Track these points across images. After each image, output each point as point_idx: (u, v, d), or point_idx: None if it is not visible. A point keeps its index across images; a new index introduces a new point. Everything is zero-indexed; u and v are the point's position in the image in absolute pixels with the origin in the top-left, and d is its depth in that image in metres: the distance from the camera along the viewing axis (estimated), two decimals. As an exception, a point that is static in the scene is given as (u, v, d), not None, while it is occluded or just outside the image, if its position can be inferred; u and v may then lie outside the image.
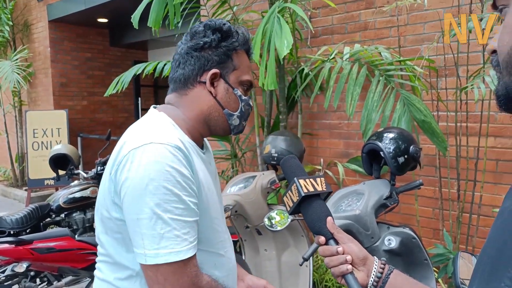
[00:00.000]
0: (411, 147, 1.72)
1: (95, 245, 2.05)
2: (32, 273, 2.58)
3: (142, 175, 0.78)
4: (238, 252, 2.71)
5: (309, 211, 0.85)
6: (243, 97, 0.98)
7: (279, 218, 2.23)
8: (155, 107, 0.98)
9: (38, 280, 2.72)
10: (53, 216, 3.04)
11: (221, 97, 0.95)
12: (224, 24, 0.96)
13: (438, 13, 2.55)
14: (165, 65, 3.31)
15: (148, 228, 0.78)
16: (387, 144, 1.74)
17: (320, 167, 3.12)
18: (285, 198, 0.88)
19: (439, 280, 2.24)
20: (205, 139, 1.06)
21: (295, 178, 0.85)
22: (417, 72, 2.36)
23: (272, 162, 2.28)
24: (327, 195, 0.89)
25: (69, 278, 2.74)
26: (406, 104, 2.20)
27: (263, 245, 2.38)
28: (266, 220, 2.10)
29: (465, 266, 1.24)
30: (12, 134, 6.73)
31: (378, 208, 1.78)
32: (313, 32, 3.14)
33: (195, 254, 0.83)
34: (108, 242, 0.89)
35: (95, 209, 0.94)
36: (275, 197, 2.91)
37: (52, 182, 5.58)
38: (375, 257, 0.84)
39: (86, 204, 3.06)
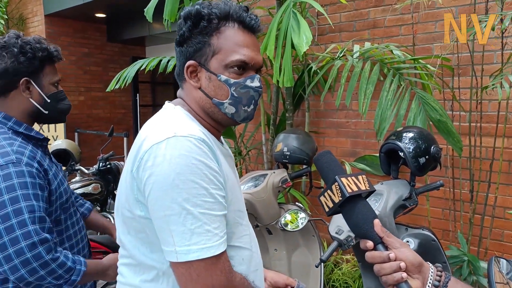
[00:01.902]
0: (432, 147, 1.69)
1: (97, 242, 1.99)
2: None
3: (168, 170, 0.74)
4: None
5: (353, 213, 0.78)
6: (232, 81, 0.87)
7: (290, 218, 2.18)
8: (170, 102, 0.94)
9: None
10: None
11: (205, 87, 0.88)
12: (194, 9, 0.87)
13: (450, 11, 2.52)
14: (169, 61, 3.23)
15: (177, 224, 0.75)
16: (406, 144, 1.70)
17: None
18: (322, 198, 0.81)
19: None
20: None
21: (337, 177, 0.78)
22: (431, 71, 2.32)
23: (284, 160, 2.23)
24: (368, 194, 0.82)
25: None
26: (422, 103, 2.16)
27: (273, 244, 2.34)
28: (280, 221, 2.06)
29: (498, 272, 1.20)
30: (6, 129, 6.60)
31: (397, 209, 1.74)
32: (333, 27, 3.09)
33: (226, 249, 0.80)
34: (131, 243, 0.86)
35: (115, 210, 0.90)
36: (283, 197, 2.86)
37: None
38: (429, 263, 0.78)
39: (88, 200, 2.99)
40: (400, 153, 1.71)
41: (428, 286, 0.74)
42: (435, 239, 1.73)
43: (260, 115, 3.25)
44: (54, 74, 1.36)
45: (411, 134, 1.73)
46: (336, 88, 2.88)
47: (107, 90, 3.45)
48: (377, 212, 1.68)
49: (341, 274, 2.83)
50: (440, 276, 0.76)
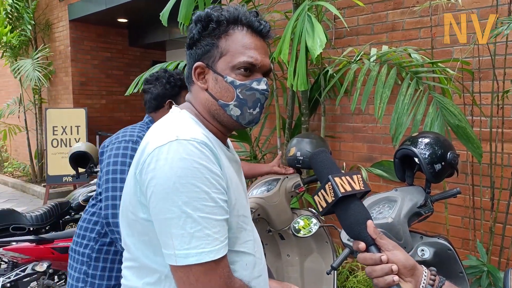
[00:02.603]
0: (449, 153, 1.64)
1: None
2: (51, 271, 2.58)
3: (169, 173, 0.75)
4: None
5: (347, 214, 0.77)
6: (238, 83, 0.87)
7: (303, 223, 2.16)
8: (176, 106, 0.95)
9: (56, 277, 2.72)
10: (73, 213, 3.04)
11: (212, 88, 0.89)
12: (204, 12, 0.89)
13: (472, 13, 2.44)
14: (185, 65, 3.27)
15: (177, 228, 0.75)
16: (422, 150, 1.65)
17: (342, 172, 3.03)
18: (316, 198, 0.79)
19: (471, 293, 2.14)
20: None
21: (330, 176, 0.76)
22: (450, 75, 2.26)
23: (297, 165, 2.21)
24: (363, 194, 0.80)
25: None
26: (440, 107, 2.10)
27: (286, 250, 2.32)
28: (292, 226, 2.04)
29: (515, 283, 1.15)
30: (32, 131, 6.83)
31: (411, 217, 1.69)
32: (350, 31, 3.06)
33: (226, 254, 0.79)
34: (135, 245, 0.86)
35: (120, 212, 0.91)
36: (297, 202, 2.84)
37: (70, 179, 5.63)
38: (423, 266, 0.76)
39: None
40: (415, 159, 1.66)
41: None
42: (451, 248, 1.67)
43: (276, 119, 3.25)
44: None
45: (426, 140, 1.68)
46: (353, 92, 2.84)
47: (126, 94, 3.52)
48: (390, 220, 1.64)
49: (356, 282, 2.77)
50: (434, 280, 0.74)
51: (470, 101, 2.35)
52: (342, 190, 0.74)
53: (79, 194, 3.02)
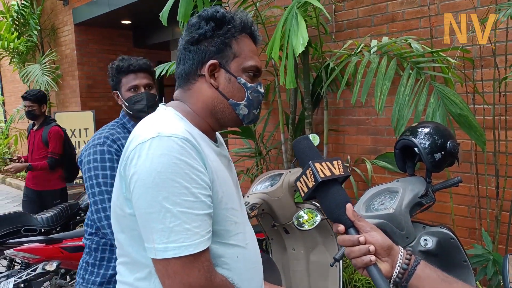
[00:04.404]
0: (449, 142, 1.63)
1: None
2: (62, 271, 2.64)
3: (149, 169, 0.77)
4: (265, 251, 2.67)
5: (327, 198, 0.80)
6: (249, 85, 0.93)
7: (307, 217, 2.17)
8: (164, 104, 0.97)
9: (68, 277, 2.78)
10: (82, 214, 3.10)
11: (224, 88, 0.92)
12: (218, 11, 0.91)
13: (472, 1, 2.42)
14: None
15: (157, 222, 0.77)
16: (422, 140, 1.65)
17: (347, 164, 3.03)
18: (298, 183, 0.82)
19: (477, 282, 2.13)
20: (218, 134, 1.04)
21: (310, 162, 0.79)
22: (451, 64, 2.24)
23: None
24: (344, 179, 0.83)
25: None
26: (441, 97, 2.09)
27: (291, 244, 2.33)
28: (294, 220, 2.05)
29: (514, 269, 1.15)
30: (42, 135, 6.93)
31: (413, 207, 1.69)
32: (351, 23, 3.06)
33: (207, 249, 0.81)
34: (125, 241, 0.88)
35: (111, 209, 0.93)
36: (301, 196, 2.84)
37: (81, 180, 5.71)
38: (399, 246, 0.78)
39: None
40: (415, 149, 1.67)
41: (397, 268, 0.75)
42: (454, 237, 1.67)
43: (279, 115, 3.26)
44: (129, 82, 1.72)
45: (426, 130, 1.68)
46: (354, 85, 2.83)
47: (131, 95, 3.56)
48: (391, 210, 1.65)
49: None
50: (409, 260, 0.76)
51: (472, 89, 2.33)
52: (322, 175, 0.77)
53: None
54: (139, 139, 0.82)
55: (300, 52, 1.99)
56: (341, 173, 0.79)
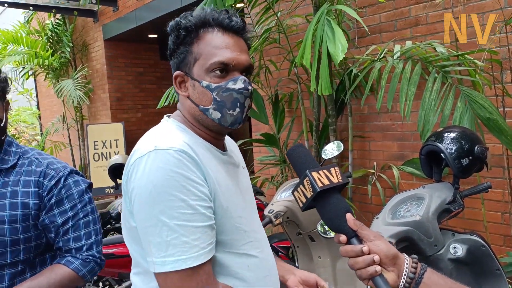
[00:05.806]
0: (476, 147, 1.59)
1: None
2: (95, 277, 2.72)
3: (146, 183, 0.78)
4: (291, 259, 2.66)
5: (326, 207, 0.77)
6: (214, 85, 0.86)
7: (332, 225, 2.16)
8: (167, 116, 0.98)
9: (100, 284, 2.87)
10: (113, 223, 3.19)
11: (192, 95, 0.90)
12: (173, 22, 0.91)
13: (498, 1, 2.36)
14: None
15: (154, 236, 0.77)
16: (448, 145, 1.62)
17: (373, 171, 3.00)
18: (296, 194, 0.80)
19: (514, 291, 2.04)
20: (227, 140, 1.02)
21: (307, 171, 0.77)
22: (478, 66, 2.19)
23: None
24: (342, 186, 0.80)
25: (129, 283, 2.86)
26: (468, 101, 2.05)
27: (317, 252, 2.32)
28: (319, 227, 2.05)
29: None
30: (75, 146, 7.24)
31: (441, 214, 1.66)
32: (373, 29, 3.04)
33: (209, 260, 0.80)
34: (137, 252, 0.89)
35: (121, 221, 0.94)
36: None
37: (112, 190, 5.89)
38: (405, 255, 0.76)
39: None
40: (441, 155, 1.64)
41: (404, 278, 0.73)
42: (485, 244, 1.62)
43: (303, 122, 3.27)
44: None
45: (452, 134, 1.65)
46: (378, 91, 2.81)
47: (158, 106, 3.67)
48: (418, 217, 1.62)
49: (392, 283, 2.72)
50: (416, 268, 0.74)
51: (501, 92, 2.26)
52: (320, 185, 0.75)
53: (118, 204, 3.17)
54: (137, 153, 0.83)
55: (340, 59, 1.98)
56: (340, 180, 0.78)
